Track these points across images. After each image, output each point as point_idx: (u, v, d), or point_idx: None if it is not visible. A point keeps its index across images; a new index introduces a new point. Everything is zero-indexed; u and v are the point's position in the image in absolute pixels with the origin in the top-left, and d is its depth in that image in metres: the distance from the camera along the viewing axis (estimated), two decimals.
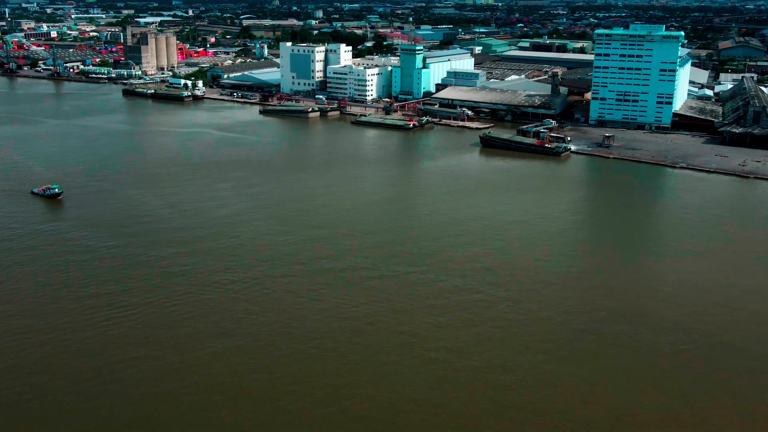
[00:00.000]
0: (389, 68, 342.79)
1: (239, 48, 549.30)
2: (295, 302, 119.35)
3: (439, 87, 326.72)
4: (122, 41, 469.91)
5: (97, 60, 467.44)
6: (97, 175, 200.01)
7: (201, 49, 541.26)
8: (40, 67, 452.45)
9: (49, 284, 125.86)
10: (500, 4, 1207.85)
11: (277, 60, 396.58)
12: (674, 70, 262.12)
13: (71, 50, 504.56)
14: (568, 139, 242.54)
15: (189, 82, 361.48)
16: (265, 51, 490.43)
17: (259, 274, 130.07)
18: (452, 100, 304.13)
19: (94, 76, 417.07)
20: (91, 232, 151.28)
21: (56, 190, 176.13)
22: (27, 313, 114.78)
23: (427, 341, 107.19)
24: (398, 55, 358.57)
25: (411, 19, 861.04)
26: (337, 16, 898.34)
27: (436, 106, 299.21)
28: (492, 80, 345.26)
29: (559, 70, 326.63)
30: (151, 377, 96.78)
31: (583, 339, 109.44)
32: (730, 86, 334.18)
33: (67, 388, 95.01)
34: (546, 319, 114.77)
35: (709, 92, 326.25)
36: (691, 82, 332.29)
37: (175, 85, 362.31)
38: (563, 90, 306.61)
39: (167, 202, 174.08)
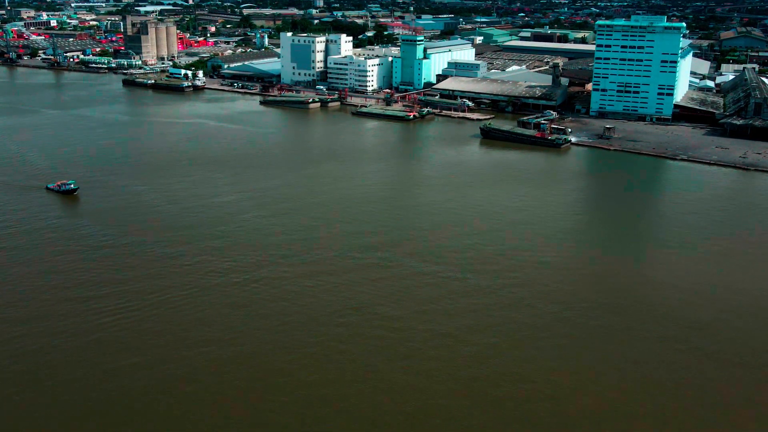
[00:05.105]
0: (390, 59, 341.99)
1: (239, 37, 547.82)
2: (293, 299, 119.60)
3: (440, 78, 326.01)
4: (122, 30, 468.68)
5: (97, 49, 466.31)
6: (106, 169, 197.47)
7: (201, 38, 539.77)
8: (39, 56, 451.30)
9: (68, 285, 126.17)
10: None
11: (278, 50, 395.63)
12: (675, 62, 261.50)
13: (71, 39, 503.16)
14: (569, 130, 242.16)
15: (189, 72, 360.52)
16: (266, 41, 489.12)
17: (259, 271, 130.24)
18: (453, 90, 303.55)
19: (94, 65, 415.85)
20: (112, 230, 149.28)
21: (72, 186, 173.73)
22: (36, 312, 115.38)
23: (420, 333, 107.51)
24: (399, 46, 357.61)
25: (412, 8, 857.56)
26: (338, 5, 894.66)
27: (437, 97, 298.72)
28: (493, 71, 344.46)
29: (560, 61, 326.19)
30: (144, 383, 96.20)
31: (577, 329, 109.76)
32: (731, 77, 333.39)
33: (60, 377, 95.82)
34: (540, 310, 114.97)
35: (711, 83, 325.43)
36: (693, 73, 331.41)
37: (176, 75, 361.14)
38: (564, 81, 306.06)
39: (179, 203, 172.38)
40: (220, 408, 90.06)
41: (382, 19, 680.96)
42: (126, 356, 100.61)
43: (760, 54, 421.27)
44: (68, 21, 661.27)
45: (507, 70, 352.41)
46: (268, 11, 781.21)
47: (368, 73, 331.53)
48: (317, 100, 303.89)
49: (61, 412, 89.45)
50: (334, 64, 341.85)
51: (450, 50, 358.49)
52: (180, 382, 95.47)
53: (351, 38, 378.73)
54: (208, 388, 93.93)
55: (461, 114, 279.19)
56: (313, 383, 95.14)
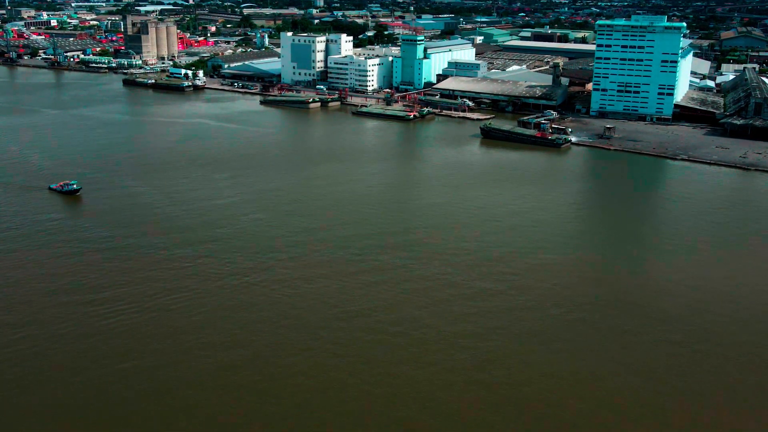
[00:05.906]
0: (390, 58, 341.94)
1: (240, 37, 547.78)
2: (293, 302, 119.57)
3: (440, 77, 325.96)
4: (122, 30, 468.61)
5: (98, 49, 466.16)
6: (107, 169, 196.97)
7: (201, 38, 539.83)
8: (40, 56, 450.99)
9: (71, 283, 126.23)
10: None
11: (278, 50, 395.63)
12: (676, 62, 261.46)
13: (71, 39, 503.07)
14: (569, 130, 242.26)
15: (189, 72, 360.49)
16: (266, 40, 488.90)
17: (259, 274, 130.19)
18: (453, 90, 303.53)
19: (94, 65, 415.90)
20: (114, 231, 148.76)
21: (74, 186, 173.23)
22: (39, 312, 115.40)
23: (422, 335, 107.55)
24: (399, 45, 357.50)
25: (412, 8, 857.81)
26: (338, 5, 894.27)
27: (437, 97, 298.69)
28: (493, 70, 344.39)
29: (561, 61, 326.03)
30: (144, 386, 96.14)
31: (576, 331, 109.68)
32: (731, 77, 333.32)
33: (66, 378, 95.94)
34: (539, 310, 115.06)
35: (711, 83, 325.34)
36: (693, 73, 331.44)
37: (176, 75, 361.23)
38: (564, 81, 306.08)
39: (180, 204, 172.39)
40: (219, 411, 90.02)
41: (382, 19, 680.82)
42: (126, 359, 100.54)
43: (761, 54, 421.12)
44: (68, 21, 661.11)
45: (507, 69, 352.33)
46: (268, 11, 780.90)
47: (368, 73, 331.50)
48: (317, 99, 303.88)
49: (61, 415, 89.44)
50: (335, 63, 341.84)
51: (450, 50, 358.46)
52: (179, 385, 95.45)
53: (351, 38, 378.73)
54: (208, 391, 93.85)
55: (461, 114, 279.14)
56: (313, 386, 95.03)
